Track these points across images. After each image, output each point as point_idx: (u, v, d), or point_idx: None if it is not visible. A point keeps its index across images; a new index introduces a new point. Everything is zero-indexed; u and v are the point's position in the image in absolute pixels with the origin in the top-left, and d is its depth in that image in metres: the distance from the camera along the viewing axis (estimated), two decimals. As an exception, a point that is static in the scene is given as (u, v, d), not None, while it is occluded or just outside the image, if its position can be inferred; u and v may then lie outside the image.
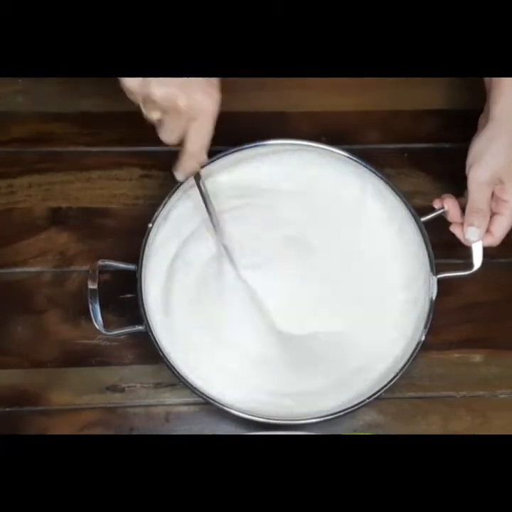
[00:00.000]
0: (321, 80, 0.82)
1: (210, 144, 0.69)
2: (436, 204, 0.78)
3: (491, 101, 0.76)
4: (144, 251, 0.75)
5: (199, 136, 0.67)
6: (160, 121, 0.67)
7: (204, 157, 0.70)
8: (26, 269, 0.81)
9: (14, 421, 0.76)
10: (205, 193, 0.74)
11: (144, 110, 0.66)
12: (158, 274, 0.77)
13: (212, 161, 0.78)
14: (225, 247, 0.77)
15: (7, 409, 0.77)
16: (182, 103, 0.64)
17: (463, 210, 0.76)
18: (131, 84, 0.64)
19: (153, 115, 0.66)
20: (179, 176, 0.72)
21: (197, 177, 0.73)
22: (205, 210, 0.76)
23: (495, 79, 0.75)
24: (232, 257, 0.77)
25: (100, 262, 0.75)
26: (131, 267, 0.75)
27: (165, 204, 0.77)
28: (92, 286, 0.73)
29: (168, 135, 0.68)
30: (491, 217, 0.75)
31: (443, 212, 0.78)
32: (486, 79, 0.77)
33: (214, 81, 0.66)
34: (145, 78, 0.63)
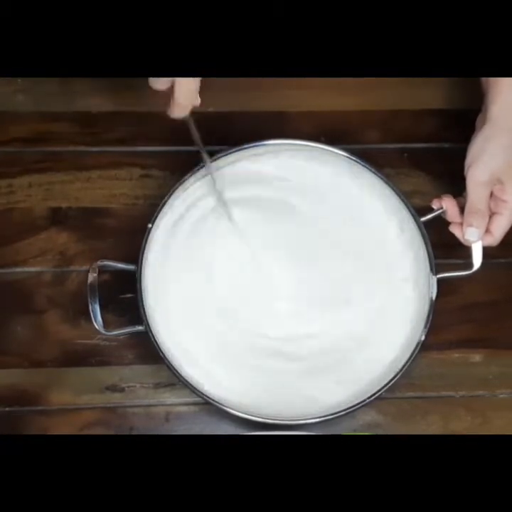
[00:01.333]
0: (321, 80, 0.82)
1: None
2: (435, 204, 0.78)
3: (489, 101, 0.76)
4: (143, 251, 0.75)
5: (182, 91, 0.67)
6: None
7: (190, 107, 0.70)
8: (26, 269, 0.81)
9: (14, 421, 0.76)
10: (195, 133, 0.74)
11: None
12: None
13: (212, 160, 0.78)
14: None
15: (7, 409, 0.77)
16: None
17: (462, 209, 0.76)
18: None
19: None
20: (171, 115, 0.72)
21: (187, 119, 0.72)
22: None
23: (492, 79, 0.75)
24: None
25: (100, 262, 0.76)
26: (131, 267, 0.76)
27: (165, 204, 0.77)
28: (92, 286, 0.73)
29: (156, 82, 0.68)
30: (491, 217, 0.76)
31: (442, 212, 0.78)
32: (483, 79, 0.77)
33: None
34: None
